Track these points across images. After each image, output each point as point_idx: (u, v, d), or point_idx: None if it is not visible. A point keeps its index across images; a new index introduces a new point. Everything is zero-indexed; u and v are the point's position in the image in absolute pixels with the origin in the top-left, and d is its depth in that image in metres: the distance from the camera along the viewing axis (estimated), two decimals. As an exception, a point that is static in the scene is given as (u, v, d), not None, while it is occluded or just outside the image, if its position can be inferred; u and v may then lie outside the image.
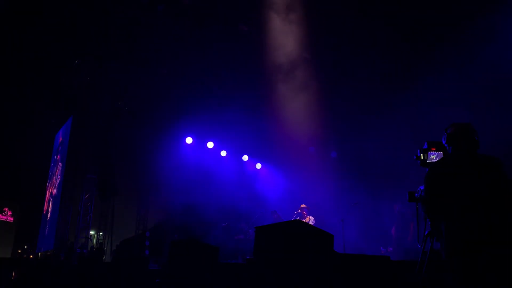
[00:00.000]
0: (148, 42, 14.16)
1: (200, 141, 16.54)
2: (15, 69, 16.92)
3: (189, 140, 16.26)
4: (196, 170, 16.35)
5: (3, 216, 24.36)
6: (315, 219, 10.05)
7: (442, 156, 3.83)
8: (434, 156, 3.94)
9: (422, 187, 3.30)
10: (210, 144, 16.48)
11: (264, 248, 4.79)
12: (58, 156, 20.13)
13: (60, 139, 20.30)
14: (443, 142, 3.24)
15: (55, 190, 19.02)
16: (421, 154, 4.04)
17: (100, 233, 20.06)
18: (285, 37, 12.05)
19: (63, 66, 17.54)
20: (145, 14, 12.96)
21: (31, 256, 20.74)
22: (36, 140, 21.33)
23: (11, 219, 24.74)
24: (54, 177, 19.66)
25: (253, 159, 16.60)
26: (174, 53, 14.25)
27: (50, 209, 19.11)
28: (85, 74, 16.92)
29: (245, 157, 16.70)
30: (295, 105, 12.41)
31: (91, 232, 17.55)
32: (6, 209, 24.48)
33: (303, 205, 10.19)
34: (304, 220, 9.63)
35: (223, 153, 16.62)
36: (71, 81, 17.98)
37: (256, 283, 4.65)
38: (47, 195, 20.23)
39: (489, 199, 2.83)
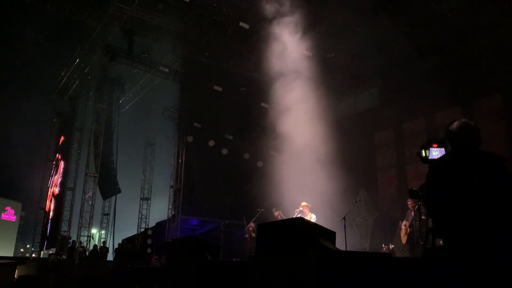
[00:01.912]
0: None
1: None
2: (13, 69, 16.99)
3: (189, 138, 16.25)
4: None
5: (5, 215, 24.40)
6: (316, 216, 10.03)
7: (444, 153, 3.83)
8: (436, 153, 3.93)
9: (424, 184, 3.29)
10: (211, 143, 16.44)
11: (267, 245, 4.79)
12: (59, 155, 20.16)
13: (62, 138, 20.31)
14: (445, 138, 3.23)
15: (57, 189, 19.05)
16: (423, 151, 4.02)
17: (102, 231, 20.09)
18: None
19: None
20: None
21: (33, 255, 20.79)
22: (37, 140, 21.38)
23: (13, 218, 24.78)
24: (56, 176, 19.68)
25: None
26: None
27: (52, 208, 19.14)
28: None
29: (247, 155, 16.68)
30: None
31: (93, 231, 17.57)
32: (9, 208, 24.51)
33: (304, 203, 10.19)
34: (305, 218, 9.62)
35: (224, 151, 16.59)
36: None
37: (258, 281, 4.65)
38: (49, 194, 20.26)
39: (491, 197, 2.83)
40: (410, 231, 10.32)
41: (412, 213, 10.37)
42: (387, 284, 4.14)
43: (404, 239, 10.41)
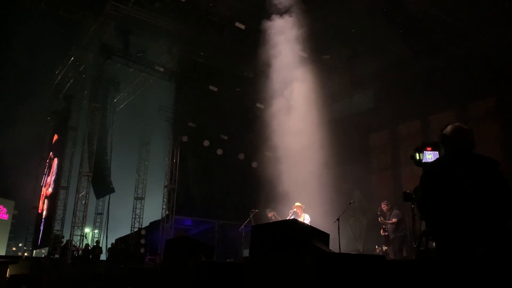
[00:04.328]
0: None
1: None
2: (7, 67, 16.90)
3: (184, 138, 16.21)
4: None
5: (-3, 214, 24.24)
6: (310, 217, 10.00)
7: (438, 156, 3.84)
8: (430, 156, 3.95)
9: (417, 187, 3.30)
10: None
11: (261, 246, 4.79)
12: (52, 154, 20.06)
13: (55, 137, 20.22)
14: (439, 142, 3.24)
15: (50, 188, 18.95)
16: (417, 154, 4.04)
17: (95, 231, 20.01)
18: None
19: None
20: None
21: (25, 254, 20.67)
22: (31, 138, 21.25)
23: (5, 216, 24.62)
24: (49, 174, 19.58)
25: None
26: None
27: (45, 207, 19.03)
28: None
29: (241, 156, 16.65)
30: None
31: (86, 230, 17.49)
32: (1, 206, 24.35)
33: (297, 204, 10.17)
34: (298, 219, 9.60)
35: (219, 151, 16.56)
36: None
37: (253, 282, 4.65)
38: (42, 192, 20.15)
39: (485, 200, 2.83)
40: (385, 235, 10.40)
41: (379, 218, 10.48)
42: (380, 286, 4.14)
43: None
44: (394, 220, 10.25)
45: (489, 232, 2.77)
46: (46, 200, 19.18)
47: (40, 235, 18.24)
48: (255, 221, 10.97)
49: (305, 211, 10.09)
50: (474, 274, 2.71)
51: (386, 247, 10.67)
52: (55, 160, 19.00)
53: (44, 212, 18.82)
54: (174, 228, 15.40)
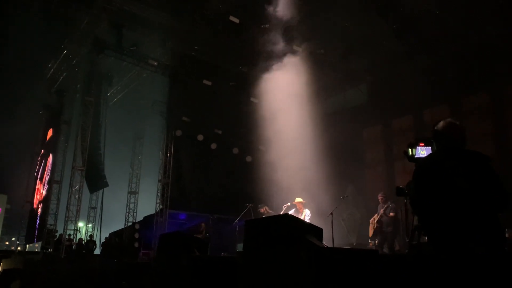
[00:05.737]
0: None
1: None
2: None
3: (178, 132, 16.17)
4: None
5: (-10, 208, 24.13)
6: (310, 213, 9.91)
7: (431, 151, 3.86)
8: (423, 152, 3.96)
9: (410, 182, 3.32)
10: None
11: (254, 241, 4.81)
12: (45, 150, 19.95)
13: (50, 131, 20.10)
14: (431, 138, 3.26)
15: (43, 182, 18.86)
16: (410, 149, 4.06)
17: (89, 225, 19.98)
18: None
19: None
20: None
21: (19, 248, 20.61)
22: (24, 132, 21.13)
23: (-2, 211, 24.52)
24: (44, 169, 19.48)
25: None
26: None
27: (38, 201, 18.95)
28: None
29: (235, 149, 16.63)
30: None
31: (80, 224, 17.45)
32: (-6, 200, 24.26)
33: (298, 199, 9.97)
34: (299, 215, 9.54)
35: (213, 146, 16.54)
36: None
37: (247, 277, 4.67)
38: (36, 186, 20.06)
39: (477, 196, 2.86)
40: (377, 226, 10.42)
41: (382, 210, 10.50)
42: (373, 280, 4.18)
43: (371, 233, 10.54)
44: (392, 214, 10.21)
45: (484, 230, 2.79)
46: (39, 193, 19.07)
47: (36, 232, 18.14)
48: (250, 216, 10.97)
49: (305, 206, 10.01)
50: (467, 268, 2.73)
51: (377, 241, 10.71)
52: (50, 156, 18.87)
53: (38, 206, 18.73)
54: (168, 222, 15.40)
